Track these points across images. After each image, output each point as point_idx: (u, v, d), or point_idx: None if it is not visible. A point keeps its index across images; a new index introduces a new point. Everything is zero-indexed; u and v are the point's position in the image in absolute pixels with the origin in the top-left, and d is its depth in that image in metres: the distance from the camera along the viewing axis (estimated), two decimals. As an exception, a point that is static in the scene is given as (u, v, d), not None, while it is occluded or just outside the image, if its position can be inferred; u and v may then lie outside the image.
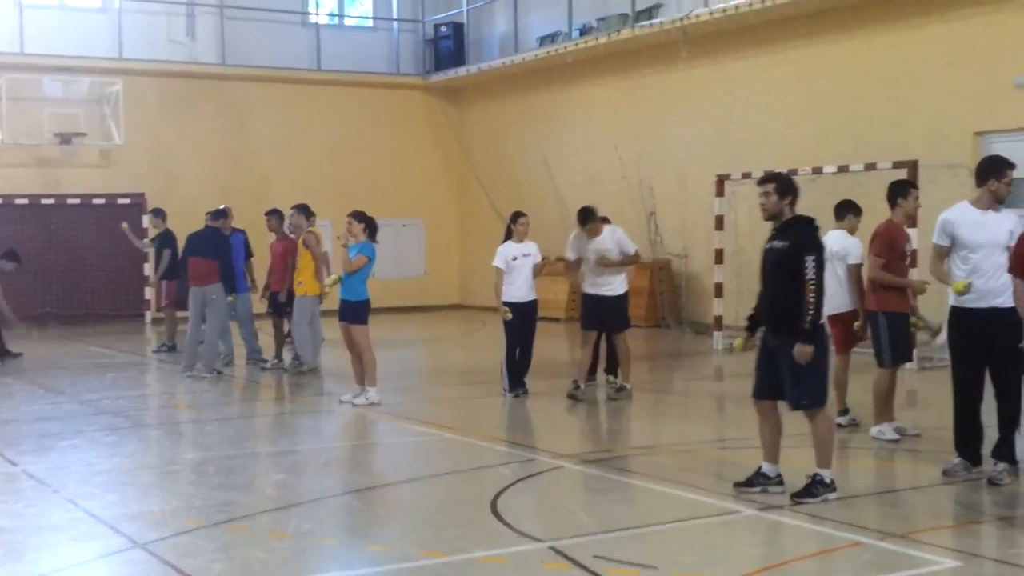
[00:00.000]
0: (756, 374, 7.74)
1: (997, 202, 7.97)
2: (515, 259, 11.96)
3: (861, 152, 15.93)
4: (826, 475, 7.40)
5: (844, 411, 9.99)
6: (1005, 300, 7.67)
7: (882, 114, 16.59)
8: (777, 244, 7.49)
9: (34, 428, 10.87)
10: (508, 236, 12.23)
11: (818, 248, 7.39)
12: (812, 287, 7.25)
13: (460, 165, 25.70)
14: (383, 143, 24.83)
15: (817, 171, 15.98)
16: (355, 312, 11.70)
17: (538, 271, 12.20)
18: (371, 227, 11.80)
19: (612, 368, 12.41)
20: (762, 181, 7.63)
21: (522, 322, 12.07)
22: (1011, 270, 6.94)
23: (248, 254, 15.22)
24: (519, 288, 11.98)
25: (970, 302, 7.79)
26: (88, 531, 7.18)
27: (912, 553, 6.38)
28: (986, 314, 7.67)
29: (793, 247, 7.37)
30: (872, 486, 7.97)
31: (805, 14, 17.31)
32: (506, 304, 11.99)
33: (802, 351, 7.26)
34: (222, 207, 14.85)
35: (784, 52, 18.12)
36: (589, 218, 11.82)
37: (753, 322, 7.82)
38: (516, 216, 12.29)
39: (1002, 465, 7.84)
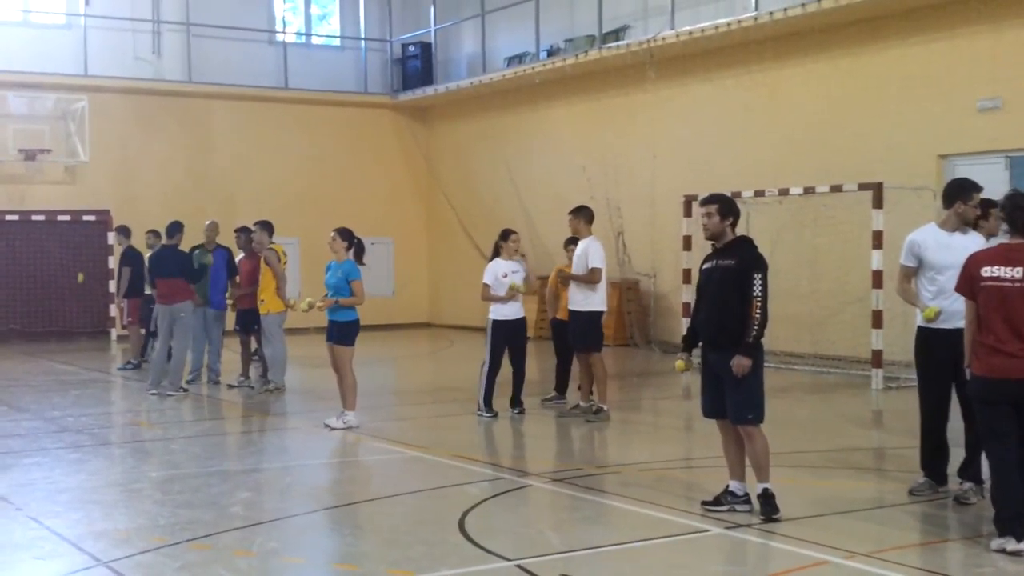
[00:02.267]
0: (702, 393, 7.83)
1: (964, 224, 8.05)
2: (505, 276, 11.92)
3: (826, 174, 16.08)
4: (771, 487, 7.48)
5: None
6: None
7: (847, 137, 16.76)
8: (722, 263, 7.60)
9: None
10: (496, 253, 12.17)
11: (764, 267, 7.53)
12: (759, 304, 7.37)
13: (428, 184, 25.72)
14: (351, 161, 24.82)
15: (783, 192, 16.12)
16: (341, 333, 11.50)
17: (530, 288, 12.20)
18: (357, 247, 11.64)
19: (560, 386, 12.67)
20: (705, 202, 7.78)
21: (512, 340, 12.04)
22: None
23: (231, 272, 14.97)
24: (508, 306, 11.95)
25: (936, 323, 7.86)
26: (51, 549, 7.10)
27: (879, 572, 6.40)
28: (952, 335, 7.74)
29: (740, 266, 7.49)
30: (839, 505, 7.99)
31: (770, 38, 17.49)
32: (495, 322, 11.98)
33: (740, 363, 7.37)
34: (176, 221, 14.59)
35: (750, 75, 18.28)
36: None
37: (689, 342, 7.98)
38: (506, 233, 12.20)
39: (968, 484, 7.90)
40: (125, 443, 11.45)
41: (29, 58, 21.67)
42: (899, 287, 8.29)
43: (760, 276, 7.44)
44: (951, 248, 7.90)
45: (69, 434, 11.43)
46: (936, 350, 7.93)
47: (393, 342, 22.56)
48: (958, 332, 7.59)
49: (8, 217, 21.19)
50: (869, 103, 16.60)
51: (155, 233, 16.84)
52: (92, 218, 21.37)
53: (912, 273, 8.12)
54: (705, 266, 7.79)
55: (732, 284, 7.46)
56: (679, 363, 7.98)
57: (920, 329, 8.09)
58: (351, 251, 11.61)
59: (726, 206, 7.69)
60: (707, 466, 9.26)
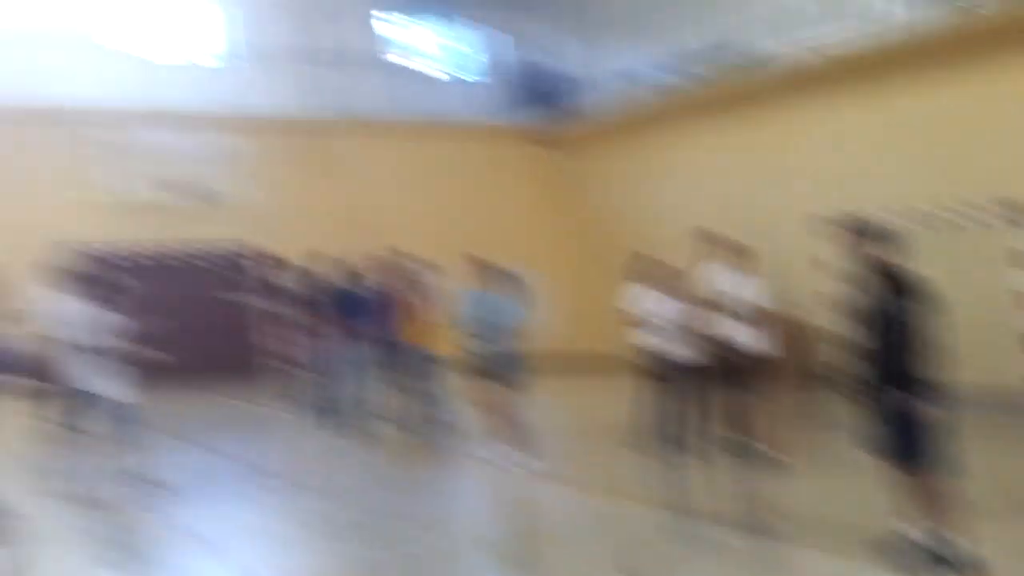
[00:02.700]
0: (870, 431, 7.52)
1: None
2: (652, 306, 11.64)
3: (964, 196, 15.68)
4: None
5: None
6: None
7: (988, 157, 16.25)
8: (876, 294, 7.34)
9: (192, 484, 11.17)
10: (640, 282, 11.89)
11: (925, 299, 7.21)
12: (918, 338, 7.07)
13: (571, 215, 25.78)
14: (493, 193, 25.06)
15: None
16: (502, 370, 11.50)
17: (686, 322, 12.01)
18: (497, 277, 11.73)
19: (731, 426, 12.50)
20: (843, 226, 7.57)
21: (668, 377, 11.66)
22: None
23: (388, 309, 15.22)
24: (662, 338, 11.57)
25: None
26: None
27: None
28: None
29: (895, 297, 7.20)
30: None
31: (908, 57, 17.09)
32: (646, 353, 11.72)
33: (903, 401, 7.10)
34: (352, 266, 14.97)
35: (887, 97, 17.87)
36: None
37: (857, 379, 7.61)
38: (649, 262, 12.01)
39: None
40: (307, 482, 11.64)
41: (187, 96, 22.53)
42: None
43: (917, 308, 7.11)
44: None
45: (255, 473, 11.91)
46: None
47: (536, 375, 22.56)
48: None
49: (167, 253, 21.97)
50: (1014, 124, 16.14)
51: (279, 263, 17.42)
52: (231, 251, 21.90)
53: None
54: (860, 297, 7.47)
55: (892, 317, 7.17)
56: (844, 400, 7.81)
57: None
58: (492, 282, 11.68)
59: (879, 233, 7.44)
60: (885, 509, 9.07)
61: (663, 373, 11.79)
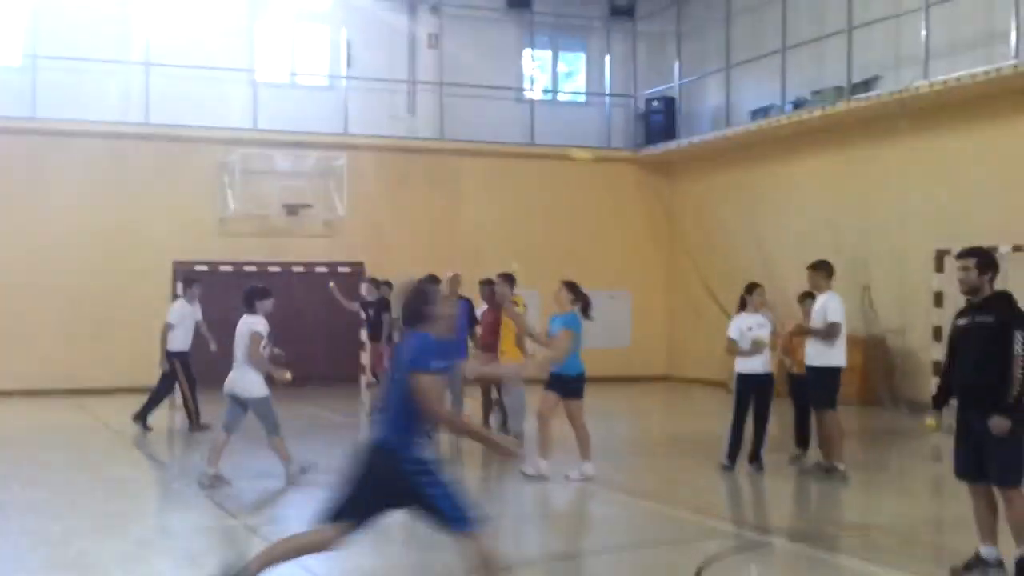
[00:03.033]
0: (956, 452, 7.55)
1: None
2: (749, 329, 11.84)
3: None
4: None
5: None
6: None
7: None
8: (978, 319, 7.40)
9: (255, 484, 11.35)
10: (742, 307, 12.13)
11: None
12: (1021, 362, 7.11)
13: (669, 237, 25.72)
14: (593, 215, 25.13)
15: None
16: (569, 387, 11.61)
17: (774, 343, 12.07)
18: (583, 301, 11.70)
19: (802, 442, 12.36)
20: (962, 255, 7.58)
21: (758, 395, 11.89)
22: None
23: (472, 322, 15.40)
24: (754, 360, 11.82)
25: None
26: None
27: None
28: None
29: (999, 322, 7.27)
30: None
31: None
32: (740, 375, 11.89)
33: (1000, 424, 7.11)
34: (432, 275, 15.11)
35: (1009, 125, 17.49)
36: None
37: (940, 400, 7.76)
38: (751, 287, 12.17)
39: None
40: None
41: (294, 118, 23.02)
42: None
43: (1021, 334, 7.17)
44: None
45: (321, 475, 11.94)
46: None
47: (630, 394, 22.57)
48: None
49: (271, 268, 22.45)
50: None
51: (375, 283, 17.69)
52: (347, 270, 22.37)
53: None
54: (960, 322, 7.59)
55: (990, 341, 7.25)
56: (930, 422, 7.80)
57: None
58: (576, 304, 11.65)
59: (984, 260, 7.51)
60: (957, 529, 8.85)
61: (757, 393, 11.90)
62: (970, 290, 7.53)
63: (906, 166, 19.28)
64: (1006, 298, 7.46)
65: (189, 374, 15.75)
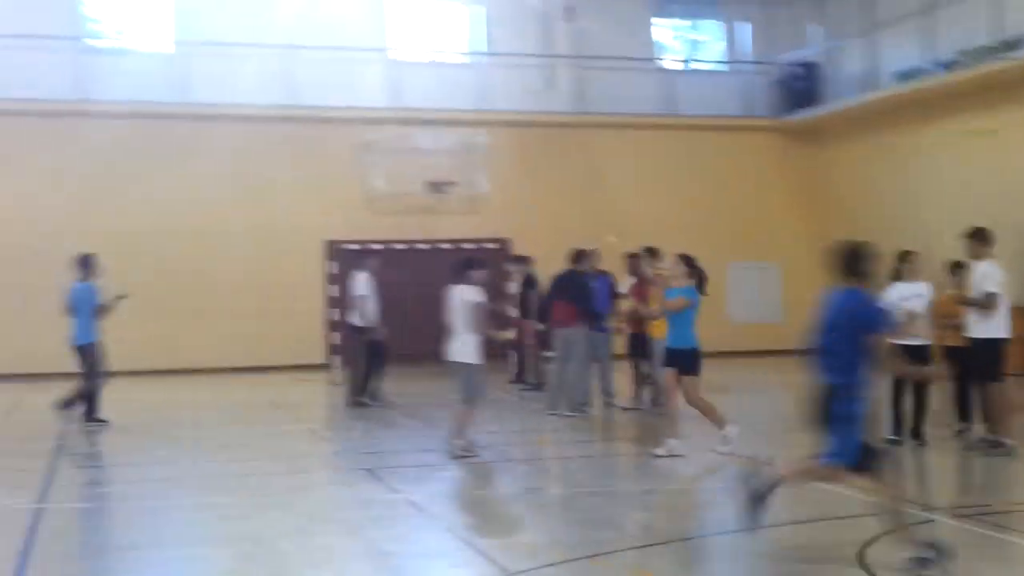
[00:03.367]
0: None
1: None
2: (905, 300, 11.52)
3: None
4: None
5: None
6: None
7: None
8: None
9: (414, 459, 11.60)
10: (897, 276, 11.82)
11: None
12: None
13: (816, 206, 25.20)
14: (737, 185, 24.80)
15: None
16: (683, 362, 11.36)
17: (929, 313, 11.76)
18: (698, 275, 11.52)
19: (964, 415, 11.96)
20: None
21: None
22: None
23: (613, 295, 15.41)
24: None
25: None
26: (464, 558, 7.61)
27: None
28: None
29: None
30: None
31: None
32: (897, 347, 11.58)
33: None
34: (581, 248, 15.21)
35: None
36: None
37: None
38: (905, 255, 11.83)
39: None
40: (526, 460, 12.01)
41: (435, 96, 23.25)
42: None
43: None
44: None
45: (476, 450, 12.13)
46: None
47: (781, 368, 22.24)
48: None
49: (419, 246, 22.77)
50: None
51: (519, 259, 17.83)
52: (493, 246, 22.54)
53: None
54: None
55: None
56: None
57: None
58: (692, 279, 11.46)
59: None
60: None
61: (913, 364, 11.42)
62: None
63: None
64: None
65: (377, 350, 15.68)
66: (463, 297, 11.36)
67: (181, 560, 7.70)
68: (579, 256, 15.00)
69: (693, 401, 11.47)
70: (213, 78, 22.26)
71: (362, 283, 15.71)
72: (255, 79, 22.61)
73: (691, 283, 11.48)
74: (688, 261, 11.55)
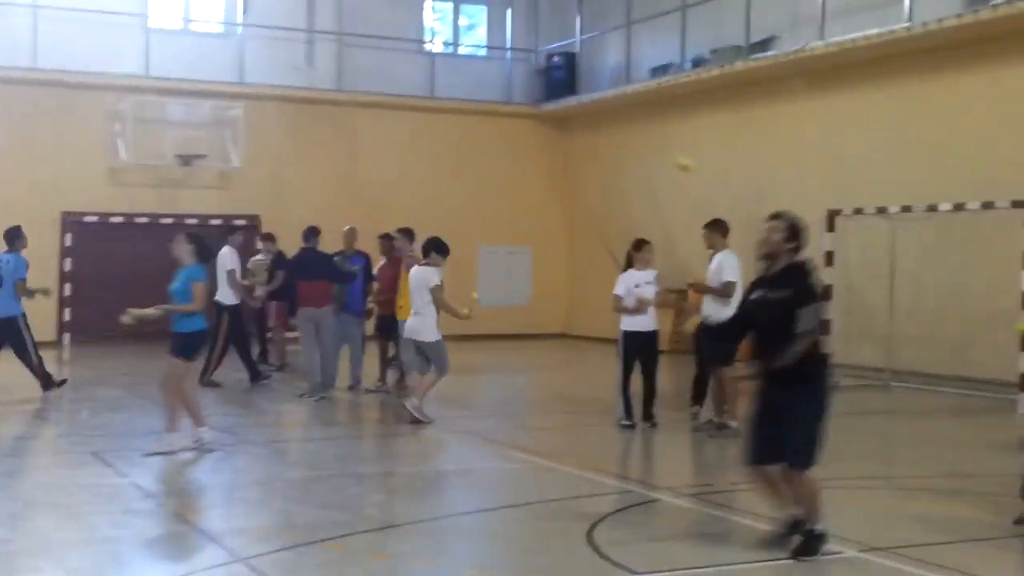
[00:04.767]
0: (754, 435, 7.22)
1: None
2: (637, 287, 11.88)
3: (978, 191, 15.59)
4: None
5: None
6: None
7: (1000, 153, 16.20)
8: (772, 295, 7.13)
9: (144, 442, 11.13)
10: (629, 264, 12.19)
11: (816, 298, 7.07)
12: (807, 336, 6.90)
13: (569, 194, 25.77)
14: (494, 170, 25.04)
15: (932, 208, 15.70)
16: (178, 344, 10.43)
17: (661, 301, 12.15)
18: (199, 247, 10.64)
19: (698, 398, 12.50)
20: (772, 217, 7.40)
21: (644, 352, 12.01)
22: None
23: (369, 278, 15.28)
24: (640, 317, 11.87)
25: None
26: (192, 543, 7.38)
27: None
28: None
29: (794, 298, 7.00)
30: (979, 531, 7.75)
31: (922, 49, 17.04)
32: (625, 333, 11.95)
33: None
34: (313, 226, 14.97)
35: (900, 87, 17.83)
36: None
37: None
38: (640, 244, 12.17)
39: None
40: (266, 443, 11.76)
41: (187, 65, 22.42)
42: None
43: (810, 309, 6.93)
44: None
45: (213, 433, 11.80)
46: None
47: (529, 352, 22.68)
48: None
49: (163, 220, 21.99)
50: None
51: (267, 237, 17.49)
52: (243, 222, 22.02)
53: None
54: (754, 296, 7.30)
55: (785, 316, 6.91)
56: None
57: None
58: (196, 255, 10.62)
59: (793, 229, 7.28)
60: (843, 487, 9.07)
61: (644, 350, 12.02)
62: (769, 254, 7.27)
63: (801, 126, 19.56)
64: (802, 270, 7.19)
65: (239, 326, 15.26)
66: (424, 278, 12.15)
67: None
68: (309, 234, 14.73)
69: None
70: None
71: (229, 258, 15.25)
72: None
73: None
74: (192, 238, 10.71)
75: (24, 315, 13.84)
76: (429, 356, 12.25)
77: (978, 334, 16.03)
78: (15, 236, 14.09)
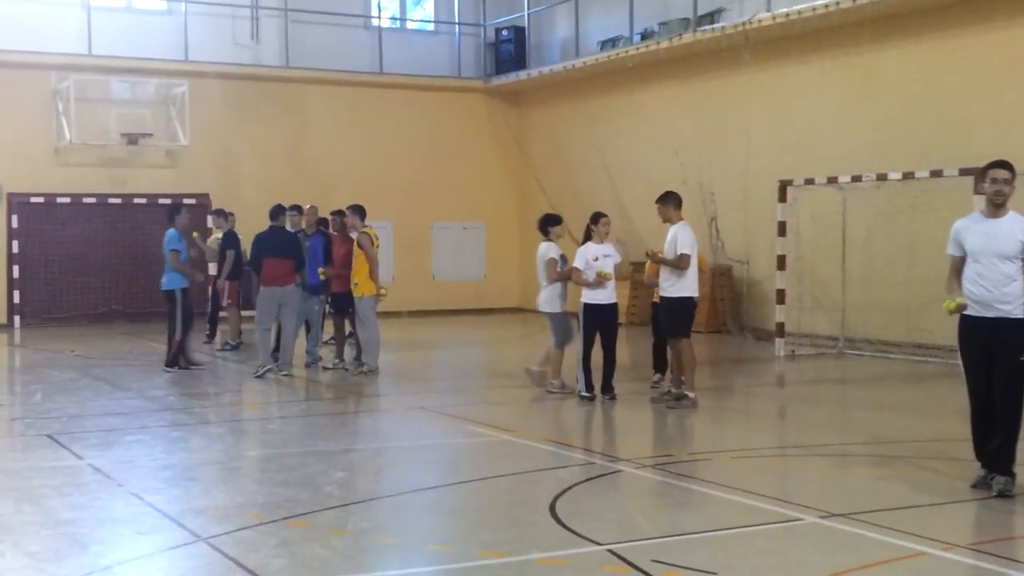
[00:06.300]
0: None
1: (993, 206, 7.92)
2: (596, 260, 11.92)
3: (926, 159, 15.76)
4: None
5: None
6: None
7: (947, 121, 16.39)
8: None
9: (100, 423, 11.05)
10: (587, 237, 12.19)
11: None
12: None
13: (521, 168, 25.75)
14: (444, 146, 24.96)
15: (881, 177, 15.85)
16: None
17: (621, 273, 12.20)
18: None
19: (659, 367, 12.70)
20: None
21: (604, 325, 12.05)
22: None
23: (328, 258, 15.11)
24: (600, 291, 11.93)
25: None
26: (152, 524, 7.28)
27: (979, 564, 6.29)
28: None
29: None
30: (936, 495, 7.86)
31: (869, 19, 17.17)
32: (587, 306, 11.99)
33: None
34: (279, 204, 14.82)
35: (848, 57, 17.97)
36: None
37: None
38: (597, 217, 12.22)
39: (1002, 478, 7.68)
40: (224, 423, 11.70)
41: (131, 43, 22.12)
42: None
43: None
44: (987, 235, 7.80)
45: (170, 413, 11.71)
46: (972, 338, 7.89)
47: (483, 326, 22.68)
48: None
49: (111, 200, 21.71)
50: (972, 86, 16.23)
51: (220, 212, 17.32)
52: (192, 201, 21.78)
53: (958, 263, 7.99)
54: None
55: None
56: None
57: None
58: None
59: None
60: (801, 455, 9.17)
61: (604, 323, 12.13)
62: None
63: (750, 98, 19.66)
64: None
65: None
66: (543, 253, 12.45)
67: None
68: (276, 212, 14.61)
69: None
70: None
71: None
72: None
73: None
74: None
75: None
76: (550, 325, 12.60)
77: (929, 301, 16.19)
78: None
